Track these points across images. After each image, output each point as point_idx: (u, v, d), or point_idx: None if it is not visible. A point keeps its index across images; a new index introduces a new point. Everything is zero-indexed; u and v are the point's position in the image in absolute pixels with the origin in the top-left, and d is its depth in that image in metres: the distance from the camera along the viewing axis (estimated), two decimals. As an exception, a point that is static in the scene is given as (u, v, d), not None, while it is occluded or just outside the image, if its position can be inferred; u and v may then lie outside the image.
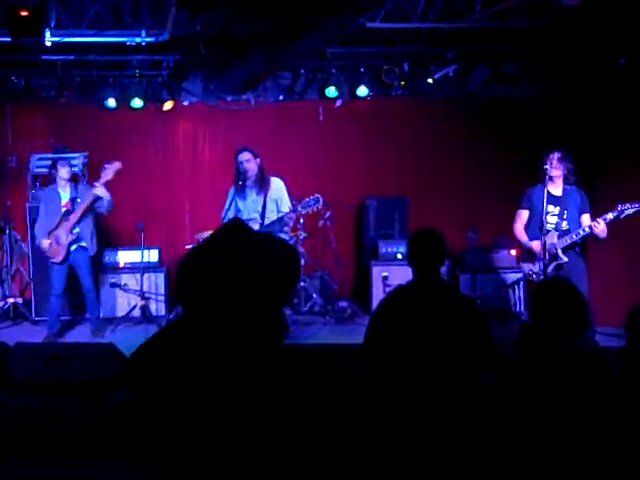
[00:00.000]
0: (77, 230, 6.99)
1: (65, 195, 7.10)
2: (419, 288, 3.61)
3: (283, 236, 6.19)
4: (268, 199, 6.44)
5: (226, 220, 6.44)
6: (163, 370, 1.60)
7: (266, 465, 1.50)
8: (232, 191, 6.61)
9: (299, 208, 6.38)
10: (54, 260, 7.03)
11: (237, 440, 1.51)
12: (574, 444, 2.67)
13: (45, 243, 7.02)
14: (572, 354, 2.86)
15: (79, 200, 7.02)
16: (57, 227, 6.98)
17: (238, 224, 1.72)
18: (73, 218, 6.95)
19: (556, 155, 5.87)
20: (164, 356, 1.61)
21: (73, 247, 7.02)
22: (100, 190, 6.89)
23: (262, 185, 6.46)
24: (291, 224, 6.54)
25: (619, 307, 7.07)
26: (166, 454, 1.56)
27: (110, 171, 6.93)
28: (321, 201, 6.34)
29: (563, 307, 2.91)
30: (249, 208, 6.46)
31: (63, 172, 7.06)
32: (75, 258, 7.07)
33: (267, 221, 6.41)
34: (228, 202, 6.60)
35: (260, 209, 6.43)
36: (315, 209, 6.40)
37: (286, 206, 6.52)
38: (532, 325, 3.00)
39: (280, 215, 6.41)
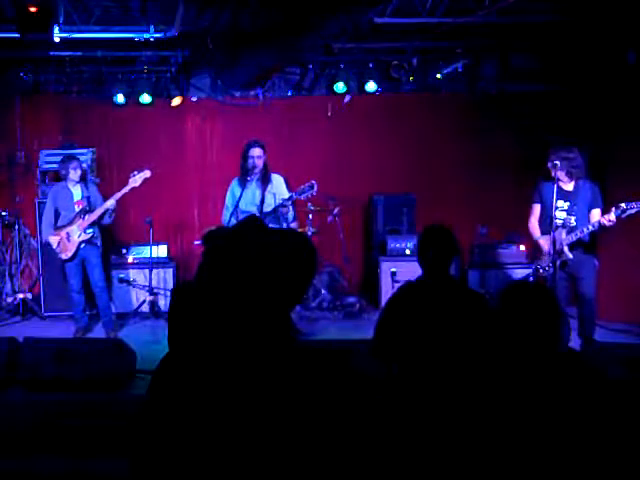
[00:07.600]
0: (91, 231, 6.91)
1: (77, 193, 7.02)
2: (428, 284, 3.59)
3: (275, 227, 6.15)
4: (267, 193, 6.45)
5: (228, 213, 6.49)
6: (176, 368, 1.59)
7: (275, 462, 1.50)
8: (235, 184, 6.58)
9: (294, 194, 6.37)
10: (63, 256, 6.95)
11: (246, 438, 1.50)
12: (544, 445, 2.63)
13: (53, 239, 6.96)
14: (542, 358, 2.79)
15: (92, 199, 6.97)
16: (70, 224, 6.91)
17: (256, 221, 1.72)
18: (90, 218, 6.87)
19: (551, 155, 5.78)
20: (178, 354, 1.61)
21: (82, 245, 6.93)
22: (111, 203, 6.85)
23: (264, 180, 6.46)
24: (288, 216, 6.47)
25: (629, 304, 7.11)
26: (173, 451, 1.55)
27: (139, 177, 6.89)
28: (315, 187, 6.31)
29: (526, 313, 2.76)
30: (247, 201, 6.42)
31: (74, 174, 6.97)
32: (85, 254, 6.98)
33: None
34: (231, 195, 6.58)
35: (258, 202, 6.42)
36: (310, 195, 6.38)
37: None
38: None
39: (274, 206, 6.39)
